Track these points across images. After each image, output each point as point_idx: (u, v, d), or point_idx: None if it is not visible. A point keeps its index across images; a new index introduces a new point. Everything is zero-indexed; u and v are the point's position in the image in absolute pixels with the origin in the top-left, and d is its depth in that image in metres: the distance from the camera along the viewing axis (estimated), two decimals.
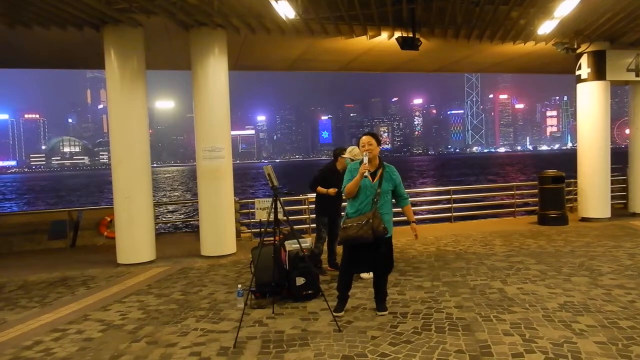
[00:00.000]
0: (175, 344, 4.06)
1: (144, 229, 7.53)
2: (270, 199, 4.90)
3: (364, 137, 4.49)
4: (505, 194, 12.78)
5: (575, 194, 10.82)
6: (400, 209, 4.72)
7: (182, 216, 23.68)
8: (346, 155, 5.81)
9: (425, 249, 7.68)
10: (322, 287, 5.11)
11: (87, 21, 7.07)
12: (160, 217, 21.05)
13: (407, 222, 4.72)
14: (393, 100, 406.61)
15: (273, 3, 6.32)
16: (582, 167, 10.23)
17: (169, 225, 17.79)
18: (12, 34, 7.36)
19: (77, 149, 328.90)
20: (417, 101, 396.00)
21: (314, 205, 6.51)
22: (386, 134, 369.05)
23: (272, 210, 4.69)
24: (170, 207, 28.25)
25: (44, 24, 7.11)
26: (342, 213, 6.47)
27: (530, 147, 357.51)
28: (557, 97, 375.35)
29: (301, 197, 9.37)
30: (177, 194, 50.34)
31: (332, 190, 6.12)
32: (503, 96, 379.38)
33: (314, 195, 6.45)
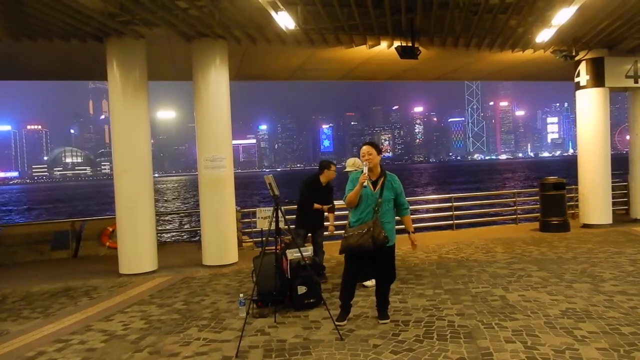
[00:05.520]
0: (177, 353, 4.07)
1: (146, 239, 7.55)
2: (271, 208, 4.93)
3: (364, 147, 4.53)
4: (507, 201, 12.79)
5: (577, 201, 10.82)
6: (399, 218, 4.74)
7: (184, 226, 23.69)
8: (349, 168, 5.83)
9: (427, 257, 7.68)
10: (324, 295, 5.12)
11: (91, 33, 7.16)
12: (162, 226, 21.06)
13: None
14: (394, 108, 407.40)
15: (273, 14, 6.40)
16: (582, 174, 10.25)
17: (171, 235, 17.80)
18: (16, 46, 7.45)
19: (79, 160, 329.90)
20: (418, 109, 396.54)
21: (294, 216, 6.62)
22: (387, 142, 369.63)
23: (273, 219, 4.72)
24: (172, 218, 28.24)
25: (48, 37, 7.20)
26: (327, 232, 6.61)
27: (531, 154, 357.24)
28: (558, 104, 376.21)
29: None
30: (178, 203, 50.39)
31: (325, 207, 6.25)
32: (503, 103, 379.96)
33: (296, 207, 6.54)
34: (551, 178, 10.21)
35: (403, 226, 4.73)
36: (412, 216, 11.02)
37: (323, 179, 6.28)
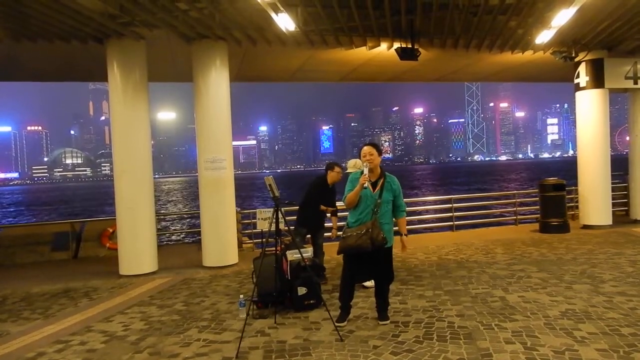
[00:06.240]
0: (177, 354, 4.08)
1: (146, 240, 7.56)
2: (272, 209, 4.94)
3: (365, 148, 4.52)
4: (507, 202, 12.79)
5: (577, 202, 10.82)
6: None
7: (184, 227, 23.69)
8: (350, 169, 5.83)
9: (426, 258, 7.69)
10: (323, 296, 5.12)
11: (91, 35, 7.17)
12: (162, 228, 21.06)
13: (409, 232, 4.74)
14: (394, 109, 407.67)
15: (273, 16, 6.41)
16: (582, 175, 10.26)
17: (171, 236, 17.83)
18: (17, 47, 7.47)
19: (79, 161, 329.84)
20: (418, 110, 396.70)
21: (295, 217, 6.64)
22: (387, 143, 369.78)
23: (274, 220, 4.73)
24: (173, 218, 28.25)
25: (48, 38, 7.21)
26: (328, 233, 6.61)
27: (531, 155, 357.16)
28: (558, 105, 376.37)
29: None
30: (179, 205, 50.38)
31: (330, 209, 6.27)
32: (503, 104, 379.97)
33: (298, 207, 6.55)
34: (551, 179, 10.22)
35: (406, 227, 4.73)
36: (412, 217, 11.12)
37: (329, 180, 6.31)
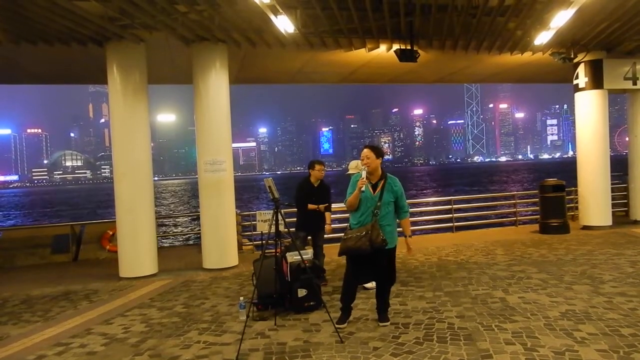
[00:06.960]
0: (178, 356, 4.08)
1: (146, 242, 7.56)
2: (271, 211, 4.95)
3: (364, 150, 4.53)
4: (507, 203, 12.79)
5: (577, 202, 10.83)
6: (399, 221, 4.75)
7: (184, 229, 23.69)
8: (352, 171, 5.83)
9: (427, 259, 7.69)
10: (324, 298, 5.12)
11: (91, 37, 7.19)
12: (162, 230, 21.06)
13: (412, 233, 4.73)
14: (393, 111, 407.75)
15: (273, 18, 6.42)
16: (582, 175, 10.26)
17: (171, 238, 17.83)
18: (16, 50, 7.47)
19: (79, 163, 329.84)
20: (418, 111, 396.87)
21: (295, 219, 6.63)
22: (387, 145, 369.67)
23: (273, 222, 4.73)
24: (173, 221, 28.24)
25: (48, 41, 7.22)
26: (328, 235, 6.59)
27: (531, 156, 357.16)
28: (557, 106, 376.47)
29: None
30: (180, 207, 50.37)
31: (321, 206, 6.25)
32: (503, 105, 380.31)
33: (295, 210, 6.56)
34: (551, 180, 10.22)
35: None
36: (412, 218, 11.08)
37: (312, 179, 6.32)
